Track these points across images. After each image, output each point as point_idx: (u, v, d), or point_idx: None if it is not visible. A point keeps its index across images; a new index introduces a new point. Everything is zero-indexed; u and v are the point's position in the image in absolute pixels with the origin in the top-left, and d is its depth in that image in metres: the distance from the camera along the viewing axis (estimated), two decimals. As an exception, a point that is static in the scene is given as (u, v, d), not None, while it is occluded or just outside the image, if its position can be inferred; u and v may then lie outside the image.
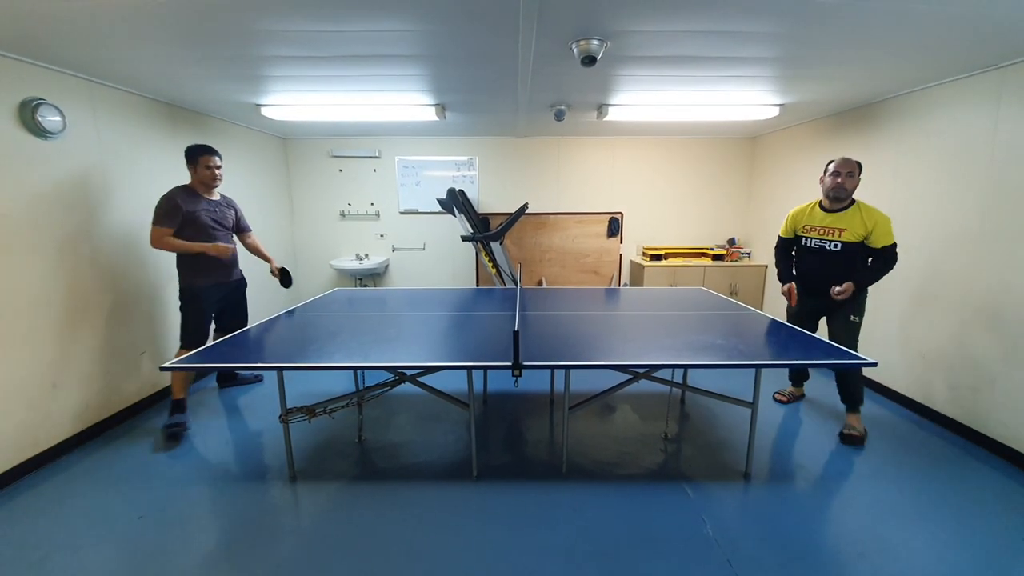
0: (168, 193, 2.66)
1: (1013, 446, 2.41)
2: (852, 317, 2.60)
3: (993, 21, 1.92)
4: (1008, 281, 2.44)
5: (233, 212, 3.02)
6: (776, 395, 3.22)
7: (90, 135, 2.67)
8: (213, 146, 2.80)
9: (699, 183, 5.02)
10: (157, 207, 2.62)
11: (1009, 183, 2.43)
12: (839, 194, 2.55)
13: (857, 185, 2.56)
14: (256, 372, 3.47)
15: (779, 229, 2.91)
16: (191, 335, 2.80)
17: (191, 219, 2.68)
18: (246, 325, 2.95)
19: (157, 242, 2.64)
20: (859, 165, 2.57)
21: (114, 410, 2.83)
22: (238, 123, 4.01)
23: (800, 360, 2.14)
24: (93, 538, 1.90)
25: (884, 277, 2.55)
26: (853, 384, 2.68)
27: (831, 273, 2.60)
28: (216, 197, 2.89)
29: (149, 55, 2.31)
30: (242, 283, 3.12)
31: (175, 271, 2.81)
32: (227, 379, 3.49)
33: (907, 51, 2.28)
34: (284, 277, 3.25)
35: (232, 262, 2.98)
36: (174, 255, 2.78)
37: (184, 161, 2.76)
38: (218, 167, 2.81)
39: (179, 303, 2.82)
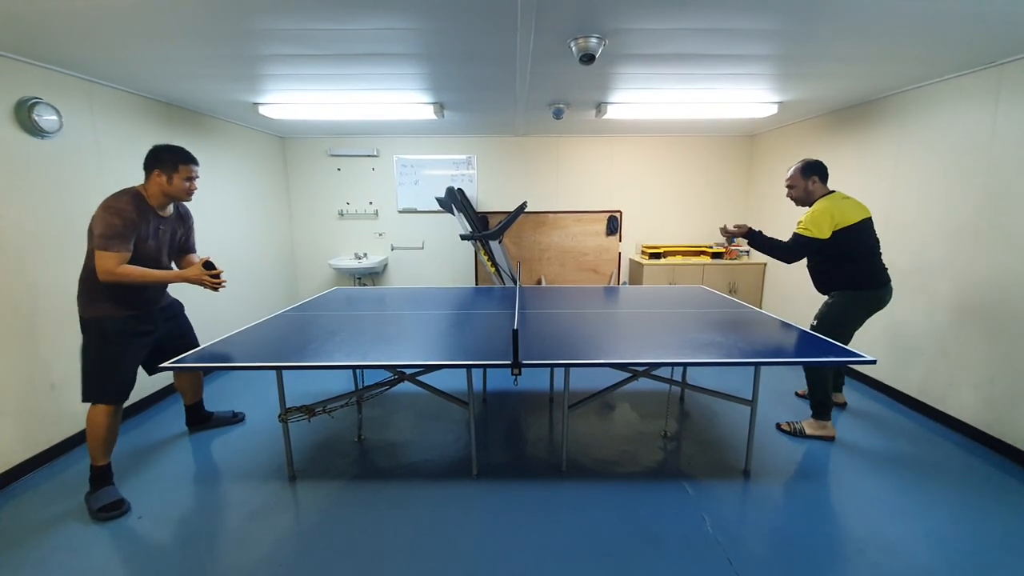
0: (119, 204, 1.99)
1: (1012, 443, 2.41)
2: (813, 321, 2.63)
3: (991, 18, 1.92)
4: (1006, 277, 2.44)
5: (183, 230, 2.35)
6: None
7: (87, 135, 2.66)
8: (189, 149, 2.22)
9: (698, 181, 5.01)
10: (105, 223, 1.94)
11: (1007, 180, 2.43)
12: (795, 203, 2.68)
13: (804, 190, 2.57)
14: (236, 411, 2.93)
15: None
16: (103, 385, 2.07)
17: (137, 243, 2.05)
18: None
19: (110, 274, 1.95)
20: (804, 168, 2.57)
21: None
22: (236, 122, 4.00)
23: (798, 358, 2.14)
24: (92, 538, 1.90)
25: (774, 255, 2.57)
26: (811, 386, 2.63)
27: (811, 269, 2.72)
28: (169, 212, 2.23)
29: (147, 54, 2.30)
30: (176, 305, 2.45)
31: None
32: (199, 420, 2.78)
33: (905, 48, 2.27)
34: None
35: (162, 286, 2.31)
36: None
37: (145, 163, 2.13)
38: (196, 178, 2.21)
39: (82, 343, 2.09)
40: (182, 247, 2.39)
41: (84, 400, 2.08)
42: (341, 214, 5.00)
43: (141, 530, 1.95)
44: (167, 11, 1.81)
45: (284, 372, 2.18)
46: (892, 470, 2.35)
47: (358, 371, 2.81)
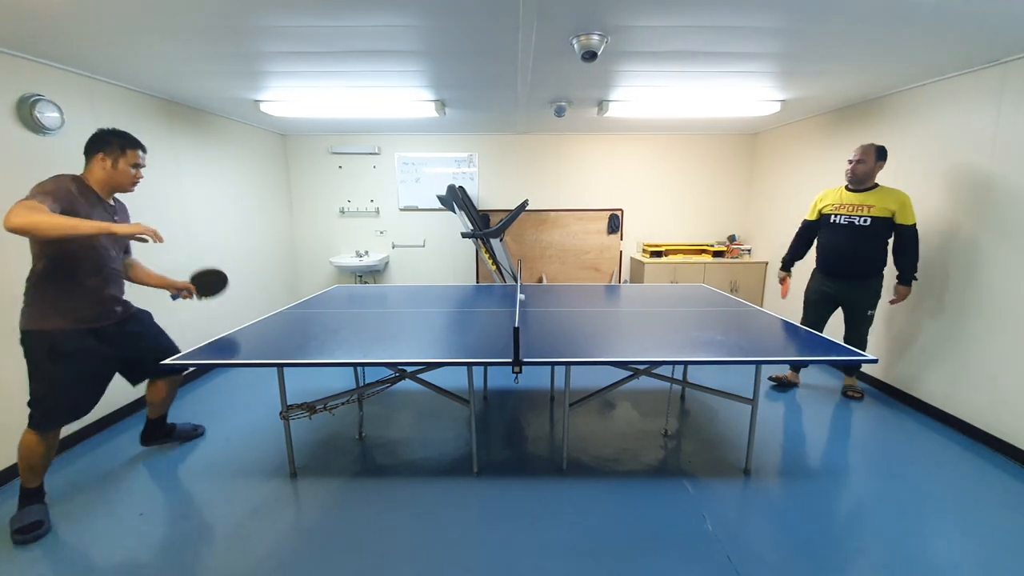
0: (57, 176, 1.84)
1: (1014, 443, 2.41)
2: (868, 311, 2.75)
3: (995, 16, 1.91)
4: (1008, 278, 2.44)
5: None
6: (770, 377, 3.38)
7: (89, 131, 2.64)
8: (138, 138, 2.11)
9: (700, 180, 5.01)
10: (39, 185, 1.78)
11: (1010, 179, 2.43)
12: (852, 177, 2.82)
13: (871, 169, 2.75)
14: (197, 424, 2.71)
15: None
16: (48, 408, 1.86)
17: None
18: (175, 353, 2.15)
19: (23, 216, 1.59)
20: (878, 151, 2.73)
21: (119, 405, 2.83)
22: (237, 119, 4.00)
23: (799, 356, 2.14)
24: (92, 535, 1.91)
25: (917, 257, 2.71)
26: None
27: (858, 249, 2.81)
28: (112, 203, 2.04)
29: (148, 51, 2.30)
30: (140, 316, 2.21)
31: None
32: (157, 434, 2.52)
33: (909, 47, 2.27)
34: (205, 287, 2.36)
35: (117, 290, 2.08)
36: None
37: (97, 146, 1.98)
38: (143, 167, 2.04)
39: (25, 359, 1.86)
40: (127, 247, 2.20)
41: (29, 427, 1.88)
42: (342, 212, 5.00)
43: (143, 526, 1.96)
44: (169, 8, 1.81)
45: (285, 369, 2.18)
46: (892, 468, 2.35)
47: (359, 368, 2.81)
